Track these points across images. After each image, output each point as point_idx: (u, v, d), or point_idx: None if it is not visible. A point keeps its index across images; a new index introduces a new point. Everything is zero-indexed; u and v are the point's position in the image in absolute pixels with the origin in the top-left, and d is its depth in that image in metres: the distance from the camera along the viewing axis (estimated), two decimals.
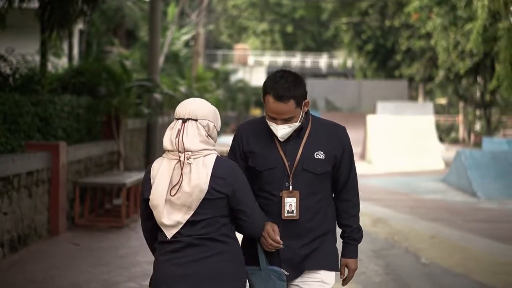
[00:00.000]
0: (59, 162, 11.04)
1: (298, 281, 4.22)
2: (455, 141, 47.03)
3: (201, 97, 22.74)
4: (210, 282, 3.85)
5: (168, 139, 3.92)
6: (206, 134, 3.93)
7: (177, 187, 3.86)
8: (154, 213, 3.91)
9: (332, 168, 4.22)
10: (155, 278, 3.96)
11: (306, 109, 4.18)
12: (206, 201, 3.87)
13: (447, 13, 37.72)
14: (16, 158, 9.84)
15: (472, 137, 45.37)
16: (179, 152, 3.87)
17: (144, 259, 9.82)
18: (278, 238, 4.10)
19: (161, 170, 3.92)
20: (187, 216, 3.87)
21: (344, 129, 4.29)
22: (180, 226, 3.88)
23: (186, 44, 38.83)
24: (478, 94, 44.02)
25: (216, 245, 3.88)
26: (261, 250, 4.16)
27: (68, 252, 10.24)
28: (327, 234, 4.25)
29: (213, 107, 4.06)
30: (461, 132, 48.26)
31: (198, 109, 3.95)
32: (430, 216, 14.64)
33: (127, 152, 15.29)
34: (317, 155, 4.18)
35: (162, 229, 3.91)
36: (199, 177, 3.86)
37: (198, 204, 3.85)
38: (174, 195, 3.86)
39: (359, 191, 4.36)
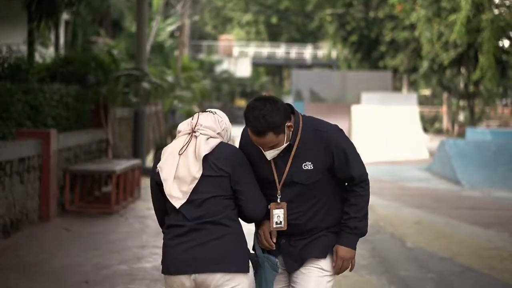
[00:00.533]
0: (50, 149, 11.17)
1: (299, 269, 4.33)
2: (439, 132, 47.32)
3: (188, 87, 22.90)
4: (215, 266, 4.01)
5: (186, 123, 4.18)
6: (219, 127, 4.22)
7: (184, 149, 4.09)
8: (164, 187, 4.09)
9: (328, 172, 4.28)
10: (164, 261, 4.11)
11: (291, 130, 4.21)
12: (210, 178, 4.06)
13: (431, 4, 37.94)
14: (8, 145, 9.98)
15: (456, 127, 45.70)
16: (193, 128, 4.14)
17: (134, 244, 9.98)
18: (271, 240, 4.26)
19: (171, 147, 4.15)
20: (192, 186, 4.04)
21: (331, 132, 4.30)
22: (187, 196, 4.04)
23: (171, 34, 38.86)
24: (461, 85, 44.31)
25: (219, 228, 4.04)
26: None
27: (59, 237, 10.39)
28: (331, 227, 4.34)
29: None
30: (445, 123, 48.56)
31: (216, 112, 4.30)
32: (415, 203, 14.85)
33: (116, 140, 15.41)
34: (305, 166, 4.24)
35: (170, 201, 4.07)
36: (200, 147, 4.08)
37: (200, 172, 4.04)
38: (181, 154, 4.08)
39: (366, 182, 4.37)
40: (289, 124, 4.19)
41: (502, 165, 19.31)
